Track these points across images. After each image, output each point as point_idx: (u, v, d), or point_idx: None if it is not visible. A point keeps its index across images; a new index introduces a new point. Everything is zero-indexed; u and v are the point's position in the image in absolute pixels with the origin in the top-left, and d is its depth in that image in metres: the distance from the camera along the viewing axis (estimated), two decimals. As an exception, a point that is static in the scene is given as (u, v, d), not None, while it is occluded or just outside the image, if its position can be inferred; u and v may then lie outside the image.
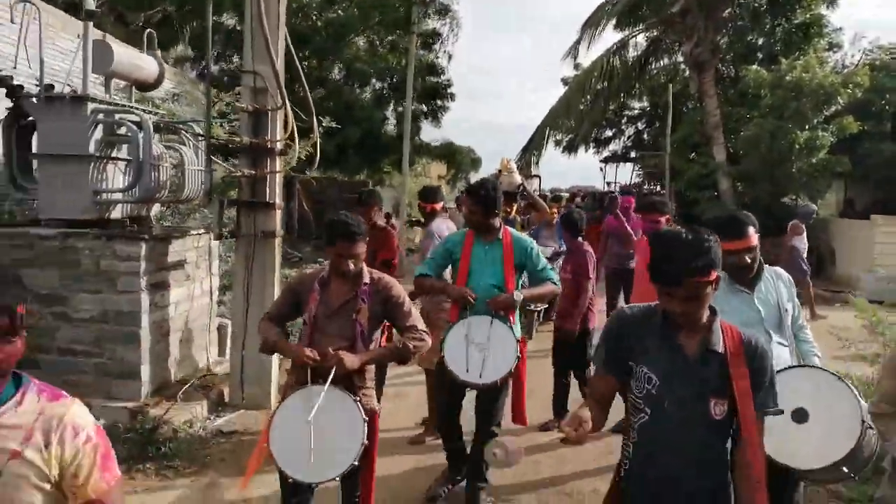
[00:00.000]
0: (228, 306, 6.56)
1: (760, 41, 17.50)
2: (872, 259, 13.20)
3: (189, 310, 5.93)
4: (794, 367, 2.96)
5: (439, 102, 18.54)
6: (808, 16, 16.64)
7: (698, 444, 2.17)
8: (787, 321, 3.13)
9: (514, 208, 9.58)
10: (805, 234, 10.66)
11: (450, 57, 18.54)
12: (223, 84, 11.46)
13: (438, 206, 5.82)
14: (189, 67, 7.72)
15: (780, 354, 2.96)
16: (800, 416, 2.79)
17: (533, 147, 21.77)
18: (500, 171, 8.47)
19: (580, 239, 5.79)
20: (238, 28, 14.17)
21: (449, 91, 18.83)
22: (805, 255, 10.66)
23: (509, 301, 3.86)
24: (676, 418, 2.16)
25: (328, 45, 15.57)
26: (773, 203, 15.80)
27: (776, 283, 3.16)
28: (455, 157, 21.57)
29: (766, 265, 3.18)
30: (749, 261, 3.02)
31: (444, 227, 5.60)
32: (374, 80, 17.72)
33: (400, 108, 18.06)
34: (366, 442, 2.91)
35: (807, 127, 13.97)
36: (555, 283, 4.10)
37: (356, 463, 2.89)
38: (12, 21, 5.61)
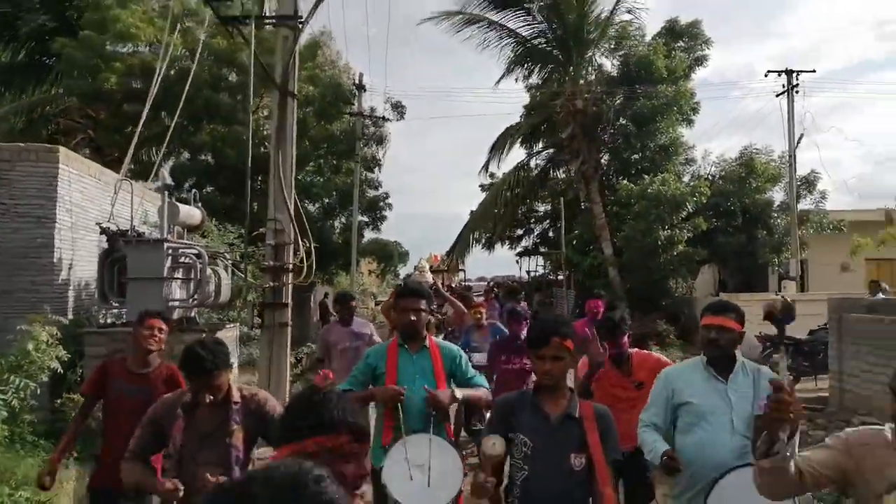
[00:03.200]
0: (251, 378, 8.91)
1: (633, 158, 21.20)
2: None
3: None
4: (745, 465, 2.83)
5: (378, 213, 21.49)
6: (668, 138, 20.51)
7: (565, 490, 2.64)
8: None
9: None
10: None
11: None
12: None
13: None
14: (167, 194, 9.56)
15: (742, 448, 2.95)
16: None
17: (459, 246, 24.88)
18: (415, 269, 8.92)
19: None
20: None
21: (386, 202, 21.86)
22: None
23: (449, 397, 3.48)
24: (547, 471, 2.65)
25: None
26: (649, 288, 19.12)
27: (757, 379, 3.15)
28: (384, 252, 24.42)
29: (747, 361, 3.24)
30: (715, 337, 3.11)
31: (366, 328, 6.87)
32: (323, 198, 20.51)
33: (343, 220, 20.90)
34: None
35: (666, 227, 17.44)
36: (487, 389, 3.74)
37: None
38: (115, 193, 8.10)
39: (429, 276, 7.15)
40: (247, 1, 10.48)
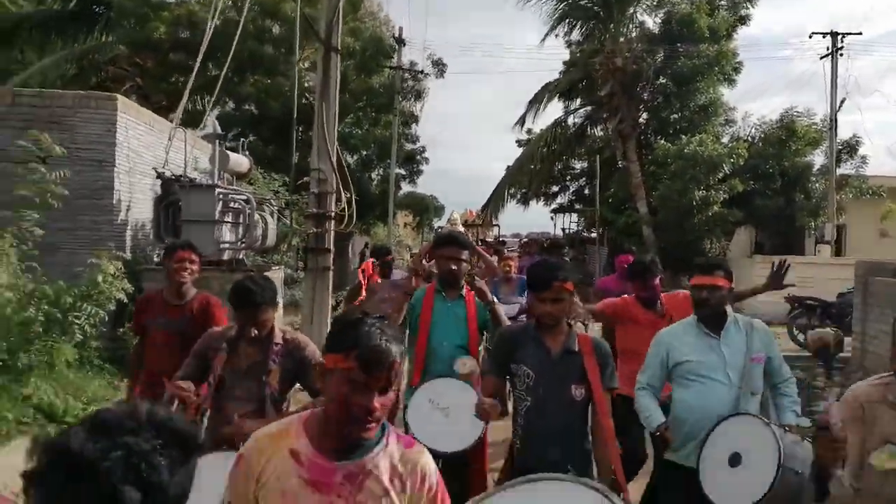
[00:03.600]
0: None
1: (672, 118, 21.08)
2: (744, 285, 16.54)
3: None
4: (735, 414, 3.00)
5: (415, 167, 21.83)
6: (707, 98, 20.33)
7: (567, 419, 2.78)
8: (753, 371, 3.17)
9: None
10: None
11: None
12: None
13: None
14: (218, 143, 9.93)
15: (734, 399, 3.09)
16: (734, 460, 2.83)
17: (494, 201, 25.12)
18: (450, 223, 8.26)
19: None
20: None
21: (423, 156, 22.18)
22: None
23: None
24: (549, 401, 2.76)
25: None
26: (683, 248, 19.20)
27: (749, 334, 3.22)
28: (420, 206, 24.89)
29: (740, 317, 3.31)
30: (707, 296, 3.19)
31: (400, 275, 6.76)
32: (361, 150, 20.89)
33: (380, 172, 21.30)
34: None
35: (702, 188, 17.45)
36: None
37: None
38: (169, 140, 8.58)
39: (460, 229, 7.17)
40: None
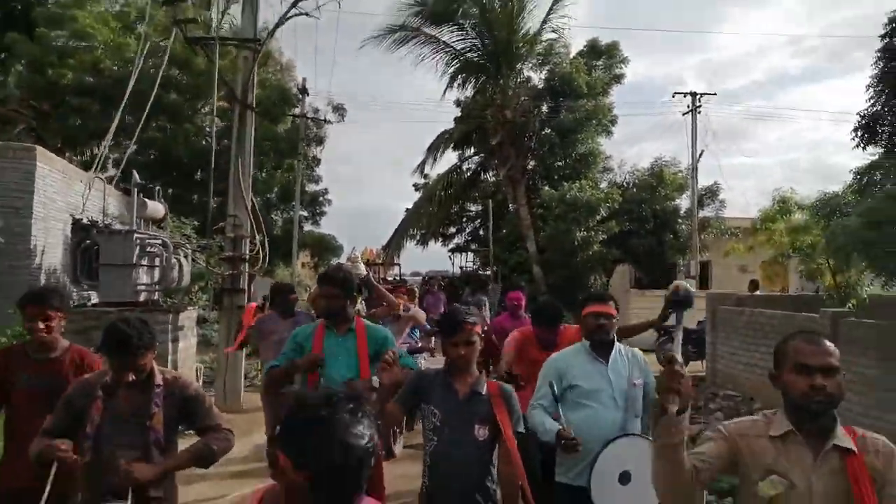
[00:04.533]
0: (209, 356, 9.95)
1: (557, 165, 22.86)
2: (628, 319, 18.29)
3: (186, 357, 9.30)
4: (623, 435, 3.18)
5: (318, 208, 22.55)
6: (587, 148, 22.26)
7: (470, 457, 2.89)
8: (634, 394, 3.38)
9: (357, 301, 10.95)
10: None
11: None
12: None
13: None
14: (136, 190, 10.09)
15: (621, 421, 3.29)
16: (624, 478, 3.02)
17: (395, 241, 26.11)
18: (370, 262, 8.96)
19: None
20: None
21: (326, 197, 22.94)
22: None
23: (367, 386, 3.53)
24: (454, 440, 2.88)
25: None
26: (569, 283, 20.83)
27: (631, 361, 3.47)
28: (321, 246, 25.55)
29: (622, 346, 3.53)
30: (604, 323, 3.42)
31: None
32: (265, 193, 21.42)
33: (283, 214, 21.89)
34: None
35: (582, 229, 19.16)
36: (413, 369, 3.70)
37: None
38: (87, 189, 8.99)
39: (362, 268, 7.06)
40: (209, 22, 11.43)
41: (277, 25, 9.52)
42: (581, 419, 3.31)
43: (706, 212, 22.63)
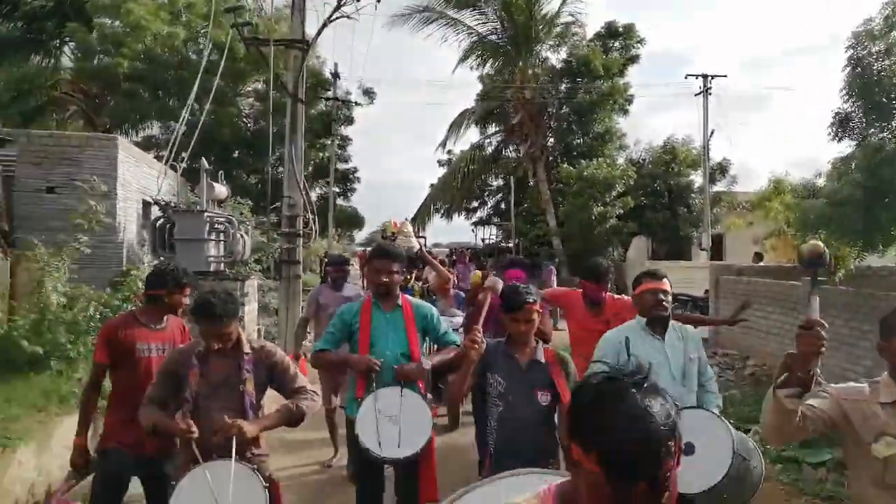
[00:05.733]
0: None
1: (575, 143, 23.88)
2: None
3: (249, 320, 10.64)
4: (685, 408, 3.12)
5: (349, 184, 23.82)
6: (604, 127, 23.22)
7: (533, 421, 3.09)
8: (691, 369, 3.42)
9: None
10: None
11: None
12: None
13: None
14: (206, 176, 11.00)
15: (682, 395, 3.32)
16: (687, 449, 2.98)
17: (421, 215, 27.35)
18: (392, 234, 8.23)
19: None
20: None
21: (356, 175, 24.19)
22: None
23: (417, 370, 3.58)
24: (518, 405, 3.08)
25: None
26: (587, 255, 21.94)
27: (685, 338, 3.49)
28: (349, 219, 26.87)
29: (675, 323, 3.52)
30: (662, 299, 3.40)
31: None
32: (300, 170, 22.73)
33: (317, 190, 23.19)
34: None
35: (599, 204, 20.22)
36: (459, 347, 3.70)
37: None
38: (162, 175, 10.27)
39: (414, 241, 6.90)
40: (261, 24, 12.58)
41: (323, 27, 10.62)
42: None
43: (719, 186, 23.58)
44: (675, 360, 3.41)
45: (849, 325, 8.24)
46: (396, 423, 3.39)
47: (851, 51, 8.61)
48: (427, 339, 3.90)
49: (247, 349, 3.15)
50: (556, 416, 3.17)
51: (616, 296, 4.77)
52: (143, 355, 3.53)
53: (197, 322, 3.07)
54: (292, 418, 3.14)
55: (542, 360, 3.17)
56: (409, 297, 3.95)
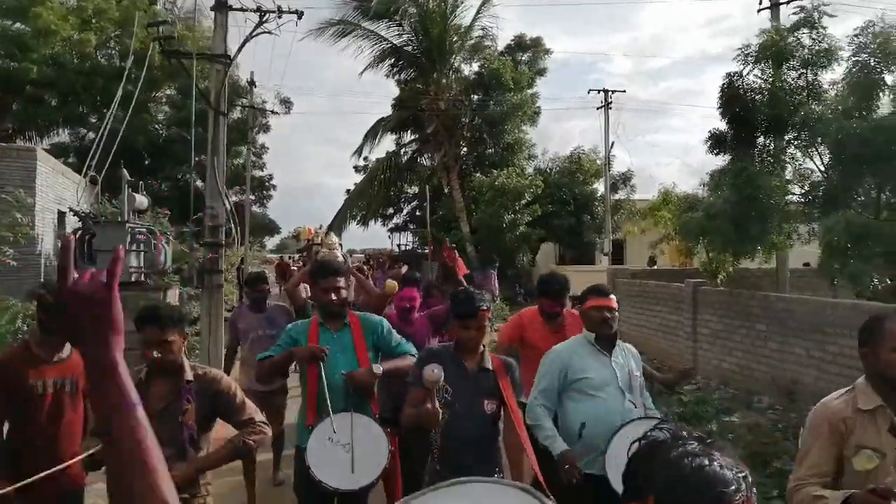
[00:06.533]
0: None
1: (487, 152, 24.86)
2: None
3: (171, 327, 10.83)
4: (635, 419, 3.26)
5: (265, 192, 23.89)
6: (513, 137, 24.31)
7: (478, 430, 3.06)
8: (635, 384, 3.47)
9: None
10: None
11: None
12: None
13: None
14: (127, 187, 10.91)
15: (630, 409, 3.36)
16: None
17: (337, 222, 27.62)
18: (307, 240, 7.95)
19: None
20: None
21: (271, 182, 24.30)
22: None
23: (368, 374, 3.41)
24: (464, 413, 3.03)
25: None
26: (499, 260, 22.95)
27: (627, 354, 3.55)
28: (265, 226, 26.91)
29: (620, 341, 3.57)
30: (608, 316, 3.45)
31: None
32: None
33: (233, 197, 23.18)
34: None
35: (510, 212, 21.26)
36: (413, 356, 3.55)
37: None
38: (81, 186, 10.34)
39: (339, 255, 6.42)
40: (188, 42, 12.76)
41: (244, 42, 10.99)
42: (589, 409, 3.38)
43: (620, 195, 25.13)
44: (622, 375, 3.43)
45: (722, 321, 9.38)
46: (351, 451, 3.18)
47: (727, 76, 9.77)
48: (380, 354, 3.62)
49: (189, 376, 2.92)
50: (500, 424, 3.12)
51: (574, 311, 4.50)
52: (38, 391, 3.19)
53: (139, 329, 2.86)
54: (238, 454, 2.96)
55: (490, 368, 3.14)
56: (357, 312, 3.77)
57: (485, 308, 3.10)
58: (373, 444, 3.23)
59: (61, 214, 11.22)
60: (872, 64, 8.58)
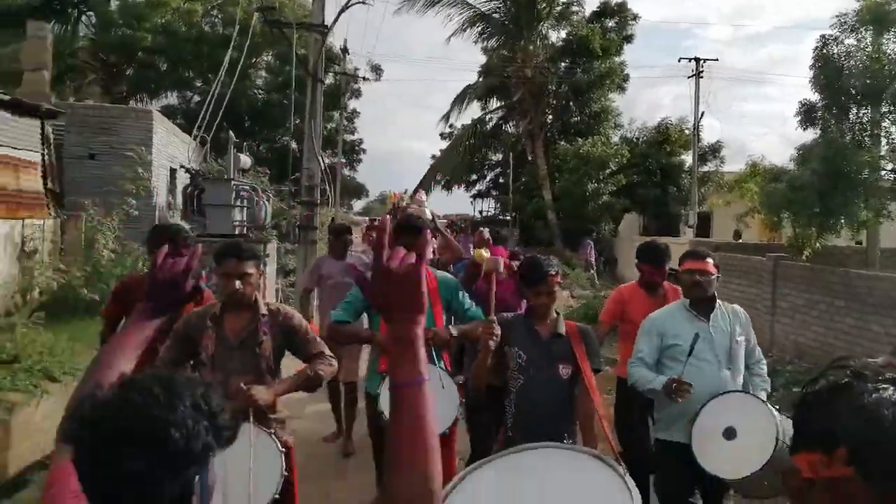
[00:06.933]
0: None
1: (573, 120, 24.82)
2: (630, 259, 20.56)
3: (271, 279, 11.72)
4: (728, 391, 3.17)
5: (355, 156, 24.77)
6: (600, 106, 24.14)
7: (554, 394, 3.03)
8: (738, 352, 3.33)
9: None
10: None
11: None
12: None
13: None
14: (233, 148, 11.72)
15: (727, 379, 3.27)
16: (729, 433, 2.99)
17: (422, 186, 28.32)
18: (396, 206, 7.79)
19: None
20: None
21: (361, 146, 25.15)
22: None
23: (448, 335, 3.42)
24: (539, 378, 3.02)
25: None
26: (581, 229, 23.02)
27: (732, 319, 3.38)
28: (355, 188, 27.84)
29: (724, 303, 3.42)
30: (700, 279, 3.31)
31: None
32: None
33: (327, 160, 24.20)
34: (286, 473, 2.75)
35: (593, 181, 21.25)
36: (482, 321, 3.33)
37: (277, 497, 2.70)
38: (191, 147, 11.27)
39: (428, 213, 6.65)
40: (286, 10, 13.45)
41: (341, 12, 11.56)
42: (683, 377, 3.21)
43: (709, 166, 24.57)
44: (720, 341, 3.31)
45: (802, 296, 9.37)
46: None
47: (821, 46, 9.56)
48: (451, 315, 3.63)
49: (263, 310, 3.05)
50: (576, 389, 3.08)
51: (676, 287, 4.21)
52: None
53: (219, 262, 2.98)
54: (310, 383, 3.07)
55: (563, 333, 3.11)
56: (433, 270, 3.75)
57: (553, 273, 3.08)
58: (445, 394, 3.20)
59: (172, 171, 12.24)
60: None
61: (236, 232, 11.27)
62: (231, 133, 11.26)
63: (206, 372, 2.93)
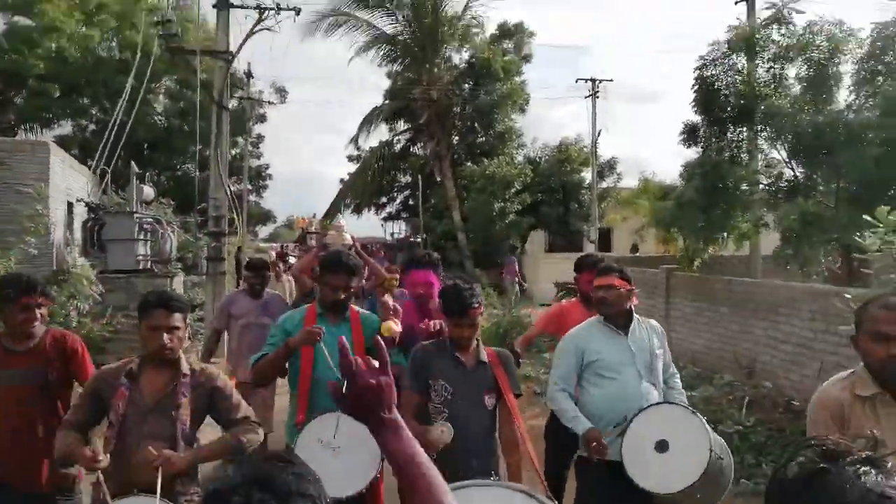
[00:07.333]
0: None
1: (478, 141, 25.46)
2: (540, 278, 21.30)
3: (177, 311, 11.46)
4: (657, 403, 3.15)
5: (261, 181, 24.46)
6: (504, 126, 24.92)
7: (482, 426, 3.02)
8: (657, 365, 3.35)
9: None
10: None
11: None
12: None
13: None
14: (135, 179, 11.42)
15: (649, 392, 3.27)
16: (661, 446, 2.95)
17: (331, 211, 28.25)
18: (304, 230, 7.77)
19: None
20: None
21: (268, 171, 24.87)
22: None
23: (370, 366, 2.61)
24: (466, 410, 2.98)
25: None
26: (489, 248, 23.62)
27: (650, 333, 3.41)
28: (260, 215, 27.44)
29: (641, 318, 3.44)
30: (603, 295, 3.33)
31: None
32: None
33: (232, 188, 23.79)
34: None
35: (499, 201, 21.92)
36: (402, 366, 3.27)
37: None
38: (93, 177, 10.93)
39: (348, 238, 6.44)
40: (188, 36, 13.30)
41: (245, 39, 11.58)
42: (605, 393, 3.28)
43: (608, 182, 25.78)
44: (641, 355, 3.32)
45: (692, 304, 10.09)
46: (340, 455, 2.88)
47: (699, 70, 10.42)
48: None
49: (186, 370, 2.81)
50: (497, 417, 3.09)
51: None
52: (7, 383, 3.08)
53: (145, 314, 2.75)
54: (231, 451, 2.80)
55: (486, 361, 3.09)
56: (358, 309, 3.62)
57: (475, 306, 3.03)
58: (363, 447, 2.80)
59: (70, 205, 11.79)
60: (820, 60, 9.23)
61: (140, 267, 11.00)
62: (133, 164, 11.00)
63: (114, 434, 2.67)
